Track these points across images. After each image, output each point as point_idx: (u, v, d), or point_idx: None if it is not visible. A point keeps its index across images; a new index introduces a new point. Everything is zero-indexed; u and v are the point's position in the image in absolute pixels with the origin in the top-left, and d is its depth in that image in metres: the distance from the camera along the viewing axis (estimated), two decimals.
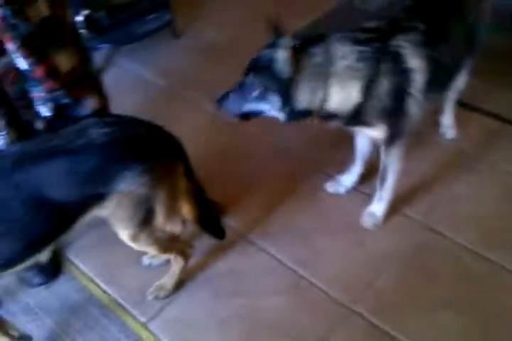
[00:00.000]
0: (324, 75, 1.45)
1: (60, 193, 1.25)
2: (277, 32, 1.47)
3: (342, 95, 1.48)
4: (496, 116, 2.33)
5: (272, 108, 1.50)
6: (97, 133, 1.28)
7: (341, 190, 2.06)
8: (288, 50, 1.40)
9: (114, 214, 1.35)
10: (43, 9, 1.24)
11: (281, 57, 1.41)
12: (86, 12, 2.40)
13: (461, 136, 2.25)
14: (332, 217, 1.97)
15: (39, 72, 1.30)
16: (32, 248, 1.32)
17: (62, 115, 1.46)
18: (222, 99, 1.58)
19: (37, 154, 1.25)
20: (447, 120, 2.26)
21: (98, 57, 2.72)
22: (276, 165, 2.17)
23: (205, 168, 2.11)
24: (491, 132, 2.27)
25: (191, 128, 2.33)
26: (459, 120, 2.26)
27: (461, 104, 2.29)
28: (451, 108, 2.23)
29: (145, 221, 1.37)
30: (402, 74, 1.51)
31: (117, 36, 2.60)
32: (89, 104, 1.52)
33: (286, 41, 1.41)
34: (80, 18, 2.40)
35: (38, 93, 1.37)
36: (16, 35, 1.22)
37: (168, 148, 1.41)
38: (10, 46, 1.23)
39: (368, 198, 2.00)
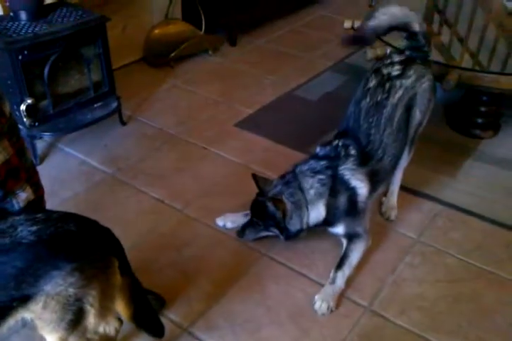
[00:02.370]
0: (303, 205, 1.98)
1: None
2: (261, 180, 2.07)
3: (315, 214, 2.00)
4: (433, 199, 2.43)
5: (275, 233, 2.07)
6: (24, 231, 1.23)
7: (229, 225, 2.26)
8: (272, 202, 1.96)
9: (41, 317, 1.26)
10: None
11: (271, 208, 1.98)
12: (29, 101, 2.41)
13: (402, 217, 2.32)
14: (278, 305, 1.92)
15: None
16: None
17: None
18: (241, 233, 2.15)
19: None
20: (390, 201, 2.35)
21: (41, 144, 2.72)
22: (220, 252, 2.14)
23: (146, 255, 2.07)
24: (429, 214, 2.35)
25: (135, 215, 2.31)
26: (399, 203, 2.34)
27: (401, 188, 2.38)
28: (395, 190, 2.34)
29: (75, 323, 1.29)
30: (350, 190, 2.00)
31: (62, 125, 2.59)
32: (23, 196, 1.49)
33: (270, 198, 1.98)
34: (22, 108, 2.40)
35: None
36: None
37: (101, 245, 1.36)
38: None
39: (314, 283, 1.99)
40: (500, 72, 2.62)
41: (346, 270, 1.99)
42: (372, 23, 2.09)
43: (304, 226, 2.02)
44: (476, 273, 2.06)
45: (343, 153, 2.02)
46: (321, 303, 1.90)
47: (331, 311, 1.89)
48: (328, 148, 2.07)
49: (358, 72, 3.44)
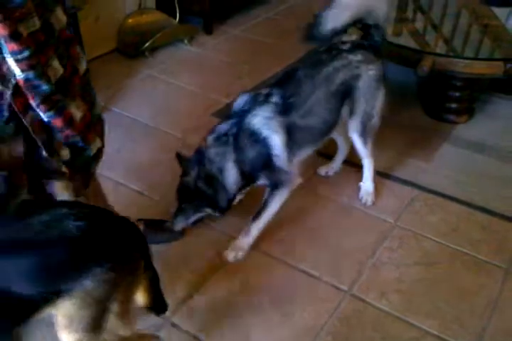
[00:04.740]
0: (219, 176, 1.91)
1: (17, 286, 1.17)
2: (184, 160, 1.98)
3: (232, 178, 1.93)
4: (410, 184, 2.46)
5: (207, 213, 2.03)
6: (69, 225, 1.23)
7: None
8: (204, 181, 1.91)
9: (68, 314, 1.23)
10: (58, 69, 1.36)
11: (203, 187, 1.91)
12: None
13: (379, 203, 2.35)
14: (259, 291, 1.94)
15: (58, 123, 1.40)
16: None
17: (76, 157, 1.52)
18: (172, 224, 2.04)
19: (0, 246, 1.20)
20: (366, 187, 2.37)
21: None
22: (200, 241, 2.14)
23: None
24: (406, 199, 2.38)
25: (114, 207, 2.29)
26: (376, 188, 2.37)
27: (378, 173, 2.41)
28: (369, 175, 2.35)
29: (97, 322, 1.27)
30: (261, 142, 1.90)
31: None
32: (97, 145, 1.58)
33: (202, 171, 1.91)
34: None
35: (57, 141, 1.47)
36: (37, 94, 1.32)
37: (134, 244, 1.36)
38: (32, 103, 1.35)
39: (294, 269, 2.01)
40: (474, 58, 2.66)
41: (262, 221, 2.04)
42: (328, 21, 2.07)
43: (230, 195, 1.96)
44: (453, 255, 2.10)
45: (260, 100, 1.92)
46: (229, 252, 2.04)
47: (238, 260, 2.02)
48: (246, 97, 1.97)
49: None
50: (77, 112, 1.45)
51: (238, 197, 2.21)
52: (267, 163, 1.94)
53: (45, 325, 1.28)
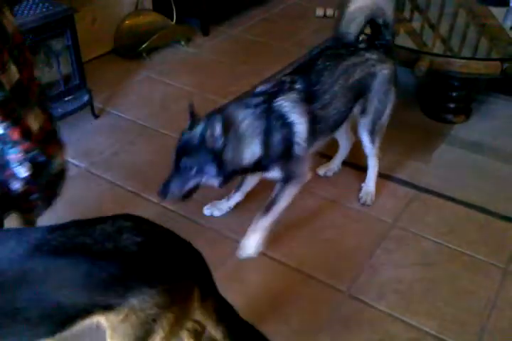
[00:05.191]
0: (238, 138, 1.80)
1: (65, 293, 1.17)
2: (195, 116, 1.84)
3: (250, 151, 1.83)
4: (408, 184, 2.46)
5: (208, 177, 1.83)
6: (128, 240, 1.21)
7: (216, 213, 2.25)
8: (220, 126, 1.71)
9: (116, 329, 1.22)
10: (14, 74, 1.28)
11: (217, 132, 1.72)
12: None
13: (378, 203, 2.34)
14: (257, 293, 1.93)
15: (15, 134, 1.31)
16: None
17: (38, 173, 1.42)
18: (164, 190, 1.85)
19: (58, 247, 1.18)
20: (367, 186, 2.37)
21: None
22: (198, 242, 2.13)
23: None
24: (404, 199, 2.38)
25: (112, 209, 2.28)
26: (376, 188, 2.37)
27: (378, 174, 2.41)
28: (372, 176, 2.36)
29: None
30: (287, 127, 1.86)
31: None
32: (58, 160, 1.49)
33: (218, 118, 1.72)
34: None
35: (14, 154, 1.36)
36: None
37: (192, 270, 1.33)
38: None
39: (293, 270, 2.00)
40: (471, 58, 2.66)
41: (271, 216, 2.01)
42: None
43: (237, 165, 1.83)
44: (451, 255, 2.10)
45: (286, 87, 1.91)
46: (242, 248, 2.04)
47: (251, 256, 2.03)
48: (270, 84, 1.94)
49: None
50: (34, 123, 1.37)
51: (237, 198, 2.22)
52: (287, 149, 1.89)
53: (95, 329, 1.27)
